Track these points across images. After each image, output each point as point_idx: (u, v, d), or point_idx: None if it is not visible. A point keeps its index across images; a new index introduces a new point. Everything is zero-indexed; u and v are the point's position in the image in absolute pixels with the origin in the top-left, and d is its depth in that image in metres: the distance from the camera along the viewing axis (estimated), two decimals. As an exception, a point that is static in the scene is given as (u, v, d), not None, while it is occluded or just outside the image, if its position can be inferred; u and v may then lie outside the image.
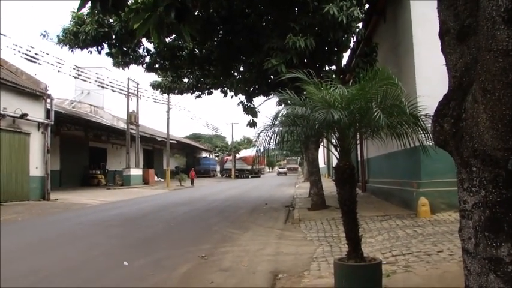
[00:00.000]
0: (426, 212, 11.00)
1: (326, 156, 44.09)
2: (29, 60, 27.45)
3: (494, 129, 2.00)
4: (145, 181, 40.88)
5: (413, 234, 9.14)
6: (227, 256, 8.33)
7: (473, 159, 2.16)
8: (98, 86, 37.89)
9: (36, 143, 22.76)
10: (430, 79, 11.49)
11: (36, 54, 27.99)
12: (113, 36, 15.08)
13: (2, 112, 19.93)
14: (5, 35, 32.33)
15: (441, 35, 2.43)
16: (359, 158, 20.84)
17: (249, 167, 63.77)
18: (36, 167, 22.43)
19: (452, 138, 2.27)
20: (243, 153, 76.00)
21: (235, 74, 18.24)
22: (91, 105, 45.66)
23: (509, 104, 1.88)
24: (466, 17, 2.24)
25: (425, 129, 5.31)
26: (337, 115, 4.87)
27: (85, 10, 14.34)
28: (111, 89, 38.24)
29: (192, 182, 41.95)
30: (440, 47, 2.46)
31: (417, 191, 11.78)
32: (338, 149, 5.55)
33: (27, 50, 27.47)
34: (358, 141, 6.47)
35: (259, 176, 66.99)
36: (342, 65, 15.74)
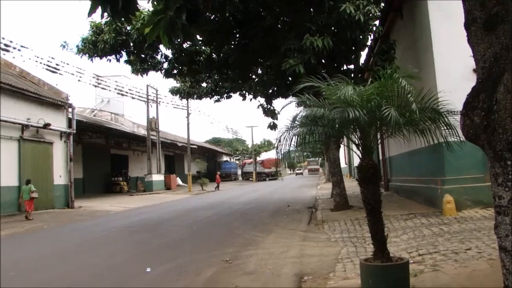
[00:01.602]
0: (451, 210, 10.81)
1: (347, 156, 43.81)
2: (50, 71, 27.86)
3: None
4: (167, 186, 41.13)
5: (439, 232, 8.98)
6: (251, 259, 8.30)
7: (508, 152, 2.07)
8: (118, 93, 38.27)
9: (59, 152, 23.09)
10: (450, 74, 11.37)
11: (57, 64, 28.38)
12: (131, 44, 15.24)
13: (25, 122, 20.26)
14: (27, 47, 32.71)
15: (467, 25, 2.34)
16: (380, 157, 20.64)
17: (266, 170, 67.68)
18: (59, 175, 22.76)
19: (483, 131, 2.18)
20: (262, 156, 77.07)
21: (254, 76, 18.22)
22: (111, 113, 46.18)
23: None
24: (493, 5, 2.15)
25: (449, 125, 5.21)
26: (355, 113, 4.82)
27: (97, 16, 14.54)
28: (131, 97, 38.59)
29: (218, 187, 42.20)
30: (467, 38, 2.37)
31: (441, 188, 11.60)
32: (360, 148, 5.48)
33: (48, 61, 27.87)
34: (379, 140, 6.38)
35: (276, 179, 67.52)
36: (360, 64, 15.60)
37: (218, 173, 49.46)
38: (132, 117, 48.40)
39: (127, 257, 9.40)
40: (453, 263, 6.58)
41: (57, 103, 23.21)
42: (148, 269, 7.76)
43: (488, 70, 2.17)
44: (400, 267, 4.98)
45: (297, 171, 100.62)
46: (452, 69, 11.42)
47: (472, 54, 2.35)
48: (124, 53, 15.95)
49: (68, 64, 32.71)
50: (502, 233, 2.14)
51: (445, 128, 5.26)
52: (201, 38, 14.91)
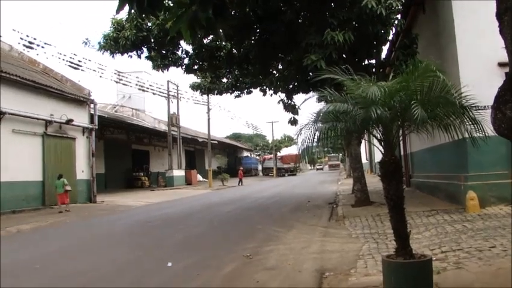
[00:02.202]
0: (475, 206, 10.65)
1: (368, 151, 43.48)
2: (72, 67, 28.24)
3: None
4: (188, 182, 41.39)
5: (462, 229, 8.86)
6: (272, 255, 8.29)
7: (543, 147, 1.99)
8: (139, 89, 38.57)
9: (81, 148, 23.40)
10: (474, 68, 11.20)
11: (79, 61, 28.74)
12: (152, 40, 15.33)
13: (49, 118, 20.57)
14: (50, 44, 33.26)
15: (499, 15, 2.25)
16: (402, 152, 20.41)
17: (285, 166, 69.20)
18: (82, 170, 23.07)
19: (516, 125, 2.10)
20: (282, 152, 77.75)
21: (274, 72, 18.17)
22: (132, 108, 46.67)
23: None
24: None
25: (474, 120, 5.12)
26: (379, 111, 4.76)
27: (123, 13, 14.66)
28: (152, 92, 38.86)
29: (241, 182, 42.48)
30: (498, 29, 2.28)
31: (465, 184, 11.43)
32: (382, 143, 5.41)
33: (70, 58, 28.27)
34: (401, 136, 6.30)
35: (295, 174, 68.02)
36: (382, 58, 15.44)
37: (241, 168, 49.75)
38: (152, 113, 48.84)
39: (148, 251, 9.47)
40: (477, 260, 6.48)
41: (80, 99, 23.51)
42: (170, 264, 7.81)
43: None
44: (423, 265, 4.91)
45: (318, 167, 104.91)
46: (476, 63, 11.24)
47: (503, 46, 2.26)
48: (145, 49, 16.05)
49: (89, 61, 33.20)
50: None
51: (470, 123, 5.16)
52: (224, 33, 14.91)
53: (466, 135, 5.29)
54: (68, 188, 18.51)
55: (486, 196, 10.95)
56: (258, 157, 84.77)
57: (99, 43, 15.53)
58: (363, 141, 21.65)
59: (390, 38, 14.51)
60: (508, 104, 2.11)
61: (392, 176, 5.22)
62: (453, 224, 9.46)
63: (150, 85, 37.98)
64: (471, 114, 5.11)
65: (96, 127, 24.76)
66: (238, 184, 41.23)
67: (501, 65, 10.58)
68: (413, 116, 4.66)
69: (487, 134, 5.05)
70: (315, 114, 5.71)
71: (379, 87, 5.01)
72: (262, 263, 7.65)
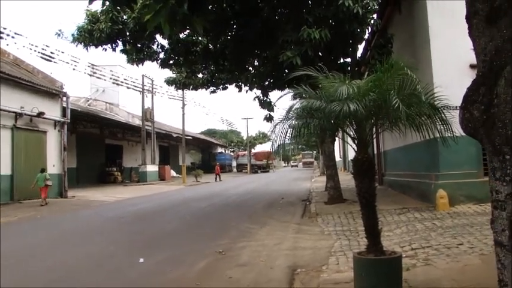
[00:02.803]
0: (445, 205, 10.86)
1: (342, 149, 43.89)
2: (44, 59, 27.62)
3: None
4: (162, 177, 41.08)
5: (432, 227, 9.03)
6: (245, 251, 8.31)
7: (506, 146, 2.06)
8: (113, 83, 38.02)
9: (53, 141, 22.94)
10: (446, 69, 11.40)
11: (51, 53, 28.11)
12: (127, 33, 15.15)
13: (19, 111, 20.12)
14: (21, 35, 32.50)
15: (468, 18, 2.32)
16: (375, 151, 20.67)
17: (258, 163, 68.60)
18: (53, 164, 22.63)
19: (482, 125, 2.17)
20: (257, 148, 78.25)
21: (250, 68, 18.16)
22: (106, 102, 45.96)
23: None
24: None
25: (445, 120, 5.21)
26: (354, 106, 4.81)
27: (98, 5, 14.41)
28: (126, 86, 38.38)
29: (218, 177, 42.47)
30: (468, 31, 2.35)
31: (435, 183, 11.64)
32: (356, 141, 5.47)
33: (42, 49, 27.65)
34: (374, 134, 6.37)
35: (267, 171, 68.22)
36: (357, 57, 15.58)
37: (218, 164, 49.64)
38: (127, 107, 48.25)
39: (120, 247, 9.38)
40: (445, 257, 6.63)
41: (52, 92, 23.03)
42: (142, 260, 7.75)
43: (489, 63, 2.16)
44: (393, 261, 4.99)
45: (292, 164, 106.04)
46: (449, 64, 11.44)
47: (472, 47, 2.32)
48: (120, 43, 15.84)
49: (62, 53, 32.43)
50: (498, 228, 2.15)
51: (441, 123, 5.26)
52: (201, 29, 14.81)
53: (437, 134, 5.38)
54: (49, 182, 18.76)
55: (455, 195, 11.19)
56: (232, 153, 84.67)
57: (72, 35, 15.26)
58: (337, 139, 21.84)
59: (366, 37, 14.68)
60: (475, 105, 2.17)
61: (365, 174, 5.28)
62: (423, 222, 9.63)
63: (125, 79, 37.54)
64: (442, 114, 5.20)
65: (69, 121, 24.31)
66: (216, 180, 41.15)
67: (472, 66, 10.79)
68: (393, 108, 4.71)
69: (457, 134, 5.14)
70: (287, 110, 5.73)
71: (351, 85, 5.06)
72: (235, 259, 7.66)
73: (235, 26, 15.59)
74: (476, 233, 7.96)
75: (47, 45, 29.19)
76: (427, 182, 12.43)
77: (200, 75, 20.19)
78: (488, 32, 2.18)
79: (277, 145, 5.94)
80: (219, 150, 78.39)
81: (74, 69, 31.68)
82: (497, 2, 2.14)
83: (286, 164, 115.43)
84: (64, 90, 23.98)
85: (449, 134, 5.26)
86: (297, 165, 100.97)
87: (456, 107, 3.44)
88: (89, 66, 34.72)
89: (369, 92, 5.13)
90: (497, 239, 2.18)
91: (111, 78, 36.65)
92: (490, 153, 2.19)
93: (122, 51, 16.37)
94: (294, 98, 7.01)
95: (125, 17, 14.52)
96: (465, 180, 11.27)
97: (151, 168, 39.67)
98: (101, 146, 40.18)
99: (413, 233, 8.68)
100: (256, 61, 17.75)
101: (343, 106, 4.82)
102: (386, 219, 10.37)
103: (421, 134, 5.46)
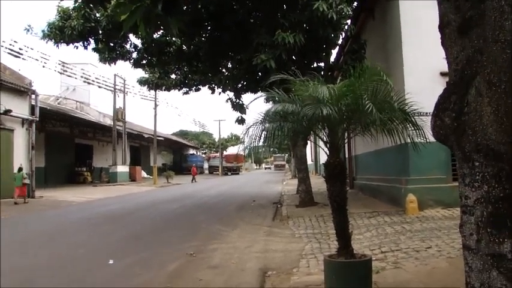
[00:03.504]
0: (414, 209, 11.04)
1: (314, 153, 44.19)
2: (12, 55, 26.99)
3: (498, 123, 1.98)
4: (132, 178, 40.62)
5: (401, 230, 9.17)
6: (216, 253, 8.28)
7: (476, 153, 2.12)
8: (84, 82, 37.46)
9: (20, 140, 22.44)
10: (418, 76, 11.59)
11: (20, 49, 27.52)
12: (100, 32, 14.90)
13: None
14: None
15: (441, 28, 2.39)
16: (347, 155, 20.88)
17: (228, 165, 69.18)
18: (20, 164, 22.11)
19: (453, 132, 2.23)
20: (229, 151, 78.38)
21: (224, 70, 18.10)
22: (77, 101, 45.18)
23: None
24: (467, 8, 2.20)
25: (415, 125, 5.30)
26: (326, 110, 4.84)
27: (70, 2, 14.10)
28: (98, 85, 37.89)
29: (194, 179, 42.33)
30: (440, 40, 2.42)
31: (405, 187, 11.82)
32: (328, 145, 5.50)
33: (10, 45, 27.00)
34: (346, 138, 6.43)
35: (237, 173, 68.34)
36: (331, 62, 15.72)
37: (194, 165, 49.74)
38: (98, 107, 47.46)
39: (89, 249, 9.22)
40: (414, 260, 6.74)
41: (20, 89, 22.53)
42: (111, 261, 7.63)
43: (460, 72, 2.23)
44: (363, 264, 5.05)
45: (266, 166, 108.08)
46: (420, 71, 11.64)
47: (445, 56, 2.39)
48: (92, 41, 15.56)
49: (32, 49, 31.61)
50: (467, 232, 2.20)
51: (412, 128, 5.34)
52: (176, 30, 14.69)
53: (408, 140, 5.46)
54: (26, 181, 19.31)
55: (425, 199, 11.38)
56: (204, 155, 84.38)
57: (43, 31, 14.91)
58: (309, 142, 21.98)
59: (340, 42, 14.81)
60: (446, 112, 2.24)
61: (336, 177, 5.31)
62: (393, 226, 9.77)
63: (96, 78, 37.03)
64: (413, 120, 5.29)
65: (37, 119, 23.82)
66: (192, 181, 40.95)
67: (443, 74, 11.06)
68: (366, 112, 4.77)
69: (427, 140, 5.23)
70: (263, 114, 5.74)
71: (328, 88, 5.11)
72: (206, 262, 7.62)
73: (209, 28, 15.53)
74: (444, 237, 8.11)
75: (15, 41, 28.37)
76: (397, 186, 12.61)
77: (173, 76, 20.03)
78: (460, 42, 2.25)
79: (249, 148, 5.95)
80: (191, 151, 78.03)
81: (43, 66, 30.93)
82: (469, 14, 2.20)
83: (258, 167, 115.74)
84: (33, 88, 23.54)
85: (419, 140, 5.35)
86: (270, 168, 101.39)
87: (427, 113, 3.52)
88: (59, 64, 34.16)
89: (343, 96, 5.18)
90: (465, 243, 2.24)
91: (82, 77, 36.10)
92: (460, 159, 2.25)
93: (94, 49, 16.09)
94: (267, 101, 7.04)
95: (97, 14, 14.27)
96: (434, 185, 11.48)
97: (122, 168, 39.20)
98: (70, 145, 39.46)
99: (383, 236, 8.80)
100: (230, 63, 17.70)
101: (316, 110, 4.86)
102: (357, 223, 10.48)
103: (392, 139, 5.53)
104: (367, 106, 4.75)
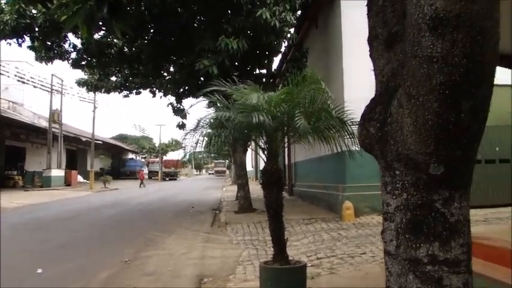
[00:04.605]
0: (350, 215, 11.30)
1: (254, 159, 44.44)
2: None
3: (417, 134, 2.06)
4: (68, 183, 39.17)
5: (337, 237, 9.34)
6: (151, 260, 8.10)
7: (397, 162, 2.22)
8: (18, 81, 35.85)
9: None
10: (357, 84, 11.84)
11: None
12: (36, 29, 14.27)
13: None
14: None
15: (370, 40, 2.51)
16: (286, 162, 21.12)
17: (167, 170, 68.64)
18: None
19: (377, 142, 2.33)
20: (169, 156, 77.82)
21: (165, 74, 17.88)
22: (9, 101, 43.09)
23: (431, 109, 1.96)
24: (393, 24, 2.32)
25: (352, 134, 5.41)
26: (261, 118, 4.86)
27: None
28: (33, 85, 36.35)
29: (142, 183, 41.34)
30: (369, 53, 2.53)
31: (342, 194, 12.08)
32: (266, 152, 5.53)
33: None
34: (285, 145, 6.49)
35: (175, 179, 67.72)
36: (273, 69, 15.89)
37: (142, 169, 48.46)
38: (32, 108, 45.51)
39: (17, 257, 8.75)
40: (349, 266, 6.87)
41: None
42: (40, 270, 7.28)
43: (385, 84, 2.35)
44: (298, 270, 5.09)
45: (210, 172, 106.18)
46: (359, 80, 11.91)
47: (373, 68, 2.50)
48: (27, 38, 14.90)
49: (-41, 44, 29.94)
50: (388, 238, 2.30)
51: (348, 136, 5.45)
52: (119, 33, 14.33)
53: (345, 148, 5.57)
54: None
55: (360, 206, 11.67)
56: (143, 160, 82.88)
57: (-29, 25, 14.12)
58: (249, 149, 22.08)
59: (282, 50, 15.01)
60: (371, 122, 2.35)
61: (273, 184, 5.34)
62: (330, 232, 9.94)
63: (32, 77, 35.53)
64: (349, 128, 5.40)
65: (-35, 118, 22.56)
66: (140, 186, 40.01)
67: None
68: (296, 126, 4.83)
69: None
70: (199, 120, 5.71)
71: (260, 94, 5.13)
72: (141, 269, 7.44)
73: (152, 30, 15.29)
74: (378, 243, 8.30)
75: None
76: (334, 193, 12.87)
77: (113, 78, 19.54)
78: (386, 55, 2.37)
79: (188, 153, 5.89)
80: (130, 156, 76.44)
81: (-28, 63, 29.34)
82: (394, 29, 2.32)
83: (198, 172, 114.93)
84: (-39, 86, 22.24)
85: (356, 148, 5.47)
86: (214, 173, 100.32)
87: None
88: (-10, 61, 32.45)
89: (281, 103, 5.22)
90: (386, 249, 2.33)
91: (15, 76, 34.53)
92: (382, 168, 2.36)
93: (30, 47, 15.43)
94: (209, 106, 6.99)
95: (34, 11, 13.67)
96: (369, 193, 11.76)
97: (57, 172, 37.71)
98: (0, 147, 37.57)
99: (320, 242, 8.93)
100: (172, 67, 17.51)
101: (250, 116, 4.87)
102: (295, 229, 10.58)
103: (329, 147, 5.63)
104: (297, 119, 4.82)
